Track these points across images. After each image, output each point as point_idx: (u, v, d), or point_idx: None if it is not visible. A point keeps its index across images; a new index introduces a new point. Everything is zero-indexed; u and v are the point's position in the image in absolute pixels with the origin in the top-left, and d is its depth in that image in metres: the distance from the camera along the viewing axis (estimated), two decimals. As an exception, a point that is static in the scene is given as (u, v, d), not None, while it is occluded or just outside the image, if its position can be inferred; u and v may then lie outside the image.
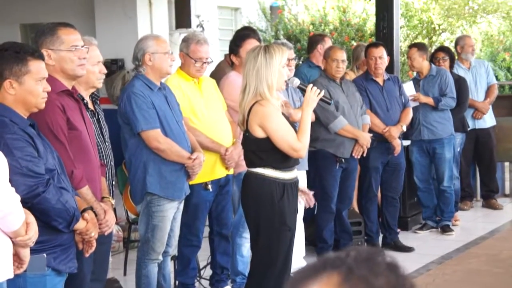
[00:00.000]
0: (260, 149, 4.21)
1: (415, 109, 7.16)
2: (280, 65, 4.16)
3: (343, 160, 6.26)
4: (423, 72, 7.35)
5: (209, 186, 5.13)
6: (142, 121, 4.63)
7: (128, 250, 6.05)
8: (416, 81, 7.42)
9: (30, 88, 3.29)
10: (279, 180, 4.21)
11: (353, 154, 6.29)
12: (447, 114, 7.32)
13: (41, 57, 3.36)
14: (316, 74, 6.86)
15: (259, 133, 4.18)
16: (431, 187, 7.50)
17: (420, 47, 7.49)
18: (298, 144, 4.17)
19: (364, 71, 7.07)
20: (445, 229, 7.39)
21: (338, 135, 6.22)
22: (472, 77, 8.31)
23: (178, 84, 5.13)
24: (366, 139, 6.29)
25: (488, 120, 8.45)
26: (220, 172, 5.21)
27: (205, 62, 5.16)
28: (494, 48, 13.41)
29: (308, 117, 4.27)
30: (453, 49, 8.46)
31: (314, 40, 7.41)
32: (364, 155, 6.34)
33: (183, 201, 4.92)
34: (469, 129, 8.24)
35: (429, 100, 7.19)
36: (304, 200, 4.74)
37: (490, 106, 8.44)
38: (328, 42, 7.21)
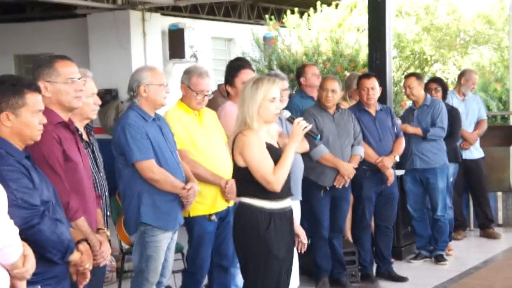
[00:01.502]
0: (244, 179, 4.21)
1: (407, 138, 7.21)
2: (265, 98, 4.15)
3: (327, 188, 6.28)
4: (419, 101, 7.40)
5: (214, 217, 5.13)
6: (137, 151, 4.64)
7: (121, 280, 6.01)
8: (411, 111, 7.47)
9: (27, 121, 3.31)
10: (265, 210, 4.17)
11: (335, 184, 6.30)
12: (440, 143, 7.36)
13: (37, 89, 3.39)
14: (309, 104, 6.91)
15: (241, 162, 4.19)
16: (425, 216, 7.51)
17: (418, 76, 7.58)
18: (271, 177, 4.12)
19: (356, 101, 7.12)
20: (439, 259, 7.40)
21: (319, 164, 6.25)
22: (465, 109, 8.39)
23: (179, 117, 5.16)
24: (347, 169, 6.29)
25: (475, 152, 8.54)
26: (222, 205, 5.21)
27: (206, 95, 5.20)
28: (486, 79, 13.55)
29: (290, 151, 4.21)
30: (445, 80, 8.55)
31: (297, 72, 7.53)
32: (346, 185, 6.35)
33: (177, 231, 4.92)
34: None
35: (417, 131, 7.23)
36: (296, 243, 4.59)
37: (478, 139, 8.51)
38: (311, 71, 7.25)
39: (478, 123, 8.53)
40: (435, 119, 7.31)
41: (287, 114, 4.50)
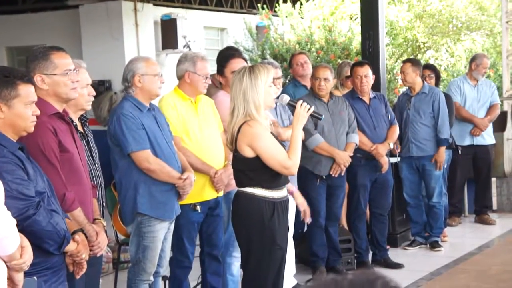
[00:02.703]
0: (249, 169, 4.22)
1: (404, 126, 7.23)
2: (266, 85, 4.19)
3: (323, 177, 6.28)
4: (415, 88, 7.37)
5: (198, 207, 5.12)
6: (132, 142, 4.63)
7: (118, 271, 6.01)
8: (407, 97, 7.44)
9: (19, 112, 3.30)
10: (268, 199, 4.22)
11: (331, 173, 6.30)
12: (434, 132, 7.35)
13: (30, 81, 3.38)
14: (302, 92, 6.91)
15: (248, 153, 4.19)
16: (421, 203, 7.52)
17: (414, 62, 7.52)
18: (288, 162, 4.19)
19: (349, 88, 7.11)
20: (434, 245, 7.42)
21: (315, 153, 6.25)
22: (476, 94, 8.39)
23: (174, 103, 5.14)
24: (342, 158, 6.30)
25: (488, 138, 8.52)
26: (209, 194, 5.19)
27: (208, 78, 5.20)
28: (478, 65, 13.48)
29: (298, 134, 4.28)
30: (438, 67, 8.54)
31: (290, 61, 7.52)
32: (342, 174, 6.36)
33: (173, 222, 4.92)
34: (467, 144, 8.33)
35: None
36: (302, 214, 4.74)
37: (491, 125, 8.51)
38: (295, 60, 7.27)
39: (490, 108, 8.47)
40: (437, 110, 7.28)
41: (287, 98, 4.52)
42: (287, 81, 10.11)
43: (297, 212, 5.63)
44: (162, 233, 4.78)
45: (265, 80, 4.18)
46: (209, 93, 5.95)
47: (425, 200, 7.56)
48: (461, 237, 7.90)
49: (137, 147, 4.63)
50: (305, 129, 5.97)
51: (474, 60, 8.65)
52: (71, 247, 3.43)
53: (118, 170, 4.76)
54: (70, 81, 3.77)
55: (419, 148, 7.33)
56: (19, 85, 3.29)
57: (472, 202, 8.84)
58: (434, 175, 7.34)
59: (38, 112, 3.38)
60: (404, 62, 7.61)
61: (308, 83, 7.14)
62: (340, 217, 6.81)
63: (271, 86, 4.24)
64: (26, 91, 3.31)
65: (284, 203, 4.31)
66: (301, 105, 4.31)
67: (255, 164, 4.19)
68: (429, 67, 8.36)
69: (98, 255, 3.81)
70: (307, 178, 6.24)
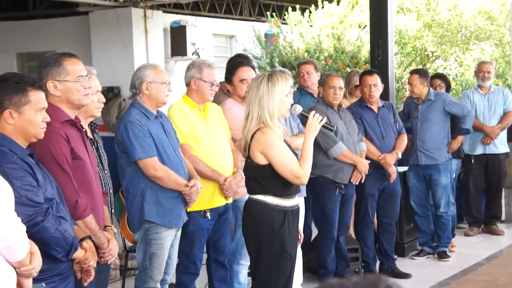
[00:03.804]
0: (261, 176, 4.22)
1: (412, 134, 7.22)
2: (282, 94, 4.19)
3: (342, 186, 6.27)
4: (422, 98, 7.35)
5: (208, 214, 5.12)
6: (139, 149, 4.63)
7: (125, 278, 6.01)
8: (414, 105, 7.42)
9: (30, 118, 3.30)
10: (279, 207, 4.21)
11: (352, 180, 6.31)
12: (445, 140, 7.34)
13: (41, 87, 3.38)
14: (308, 100, 6.92)
15: (260, 160, 4.19)
16: (429, 212, 7.49)
17: (422, 73, 7.45)
18: (300, 171, 4.18)
19: (357, 97, 7.10)
20: (442, 255, 7.39)
21: (336, 161, 6.24)
22: (487, 103, 8.34)
23: (183, 111, 5.15)
24: (364, 165, 6.32)
25: (500, 146, 8.44)
26: (219, 201, 5.20)
27: (216, 85, 5.20)
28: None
29: (310, 144, 4.27)
30: (447, 76, 8.52)
31: (297, 70, 7.55)
32: (363, 181, 6.36)
33: (180, 229, 4.91)
34: (479, 153, 8.29)
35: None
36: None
37: (505, 133, 8.45)
38: (299, 70, 7.30)
39: (503, 115, 8.39)
40: (456, 110, 7.30)
41: (299, 108, 4.52)
42: (295, 88, 10.11)
43: (306, 221, 5.62)
44: (169, 240, 4.77)
45: (282, 89, 4.19)
46: (217, 101, 5.97)
47: (432, 209, 7.53)
48: (469, 247, 7.86)
49: (144, 154, 4.64)
50: (328, 137, 5.99)
51: (476, 68, 8.66)
52: (79, 254, 3.43)
53: (125, 177, 4.76)
54: (82, 87, 3.78)
55: (428, 156, 7.30)
56: (29, 92, 3.29)
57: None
58: (441, 184, 7.32)
59: (48, 119, 3.39)
60: (412, 73, 7.56)
61: (314, 92, 7.16)
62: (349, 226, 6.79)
63: (287, 96, 4.24)
64: (37, 98, 3.32)
65: (294, 211, 4.30)
66: (313, 116, 4.31)
67: (268, 171, 4.19)
68: (439, 76, 8.36)
69: (109, 262, 3.81)
70: (325, 188, 6.22)
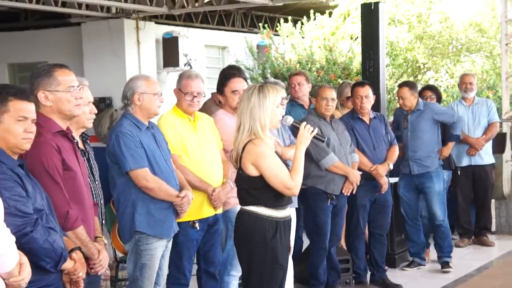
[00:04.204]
0: (253, 187, 4.22)
1: (403, 145, 7.24)
2: (274, 105, 4.20)
3: (334, 196, 6.27)
4: (412, 109, 7.35)
5: (197, 225, 5.11)
6: (131, 160, 4.63)
7: (115, 289, 6.00)
8: (403, 116, 7.42)
9: (8, 128, 3.28)
10: (272, 219, 4.20)
11: (343, 192, 6.31)
12: (435, 147, 7.34)
13: (26, 98, 3.35)
14: (299, 112, 6.93)
15: (252, 171, 4.19)
16: (419, 222, 7.48)
17: (411, 85, 7.45)
18: (291, 182, 4.17)
19: (349, 109, 7.11)
20: (444, 266, 7.35)
21: (328, 172, 6.24)
22: (471, 115, 8.40)
23: (172, 122, 5.16)
24: (356, 176, 6.32)
25: (486, 158, 8.49)
26: (208, 212, 5.19)
27: (195, 96, 5.19)
28: (478, 86, 13.53)
29: (301, 155, 4.27)
30: (438, 88, 8.55)
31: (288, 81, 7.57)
32: (354, 192, 6.36)
33: (171, 239, 4.90)
34: (465, 165, 8.32)
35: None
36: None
37: (490, 144, 8.49)
38: (294, 80, 7.30)
39: (487, 127, 8.44)
40: (446, 119, 7.36)
41: (291, 119, 4.52)
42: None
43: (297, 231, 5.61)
44: (160, 251, 4.76)
45: (274, 100, 4.19)
46: (209, 111, 5.98)
47: (424, 220, 7.53)
48: (460, 259, 7.86)
49: (136, 165, 4.63)
50: (320, 148, 5.98)
51: (458, 81, 8.70)
52: (68, 265, 3.42)
53: (116, 188, 4.75)
54: (73, 98, 3.78)
55: (420, 165, 7.29)
56: (10, 101, 3.28)
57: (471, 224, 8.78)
58: (435, 191, 7.28)
59: (34, 130, 3.36)
60: (400, 86, 7.50)
61: (304, 103, 7.17)
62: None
63: (279, 107, 4.25)
64: (18, 107, 3.29)
65: (286, 222, 4.30)
66: (304, 127, 4.31)
67: (259, 183, 4.18)
68: (430, 88, 8.38)
69: (99, 273, 3.80)
70: (317, 199, 6.23)
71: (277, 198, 4.21)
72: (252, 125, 4.17)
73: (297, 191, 4.24)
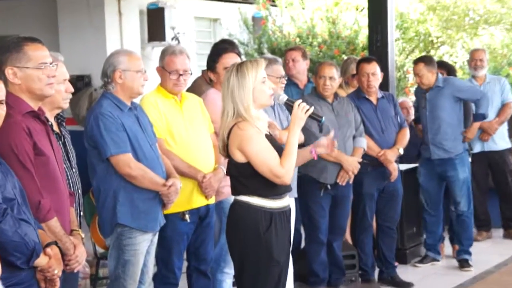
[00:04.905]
0: (241, 175, 4.20)
1: (423, 127, 7.22)
2: (256, 82, 4.16)
3: (328, 186, 6.25)
4: (430, 86, 7.27)
5: (187, 216, 5.09)
6: (111, 144, 4.60)
7: (95, 288, 6.01)
8: (421, 94, 7.39)
9: None
10: (265, 209, 4.18)
11: (338, 181, 6.27)
12: (458, 129, 7.30)
13: None
14: (292, 91, 6.90)
15: (239, 157, 4.17)
16: (440, 213, 7.44)
17: (427, 61, 7.38)
18: (280, 170, 4.13)
19: (354, 88, 7.09)
20: (463, 264, 7.31)
21: (320, 159, 6.21)
22: None
23: (155, 102, 5.13)
24: (351, 164, 6.27)
25: (500, 142, 8.45)
26: (199, 201, 5.17)
27: (181, 75, 5.15)
28: (497, 63, 13.53)
29: (294, 139, 4.22)
30: (453, 64, 8.51)
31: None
32: (351, 182, 6.32)
33: (157, 233, 4.89)
34: (478, 151, 8.32)
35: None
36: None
37: (505, 127, 8.46)
38: (289, 56, 7.25)
39: (502, 108, 8.39)
40: (463, 95, 7.29)
41: (284, 97, 4.48)
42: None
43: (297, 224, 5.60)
44: (144, 246, 4.75)
45: (254, 77, 4.16)
46: (199, 90, 5.95)
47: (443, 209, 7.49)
48: (477, 254, 7.83)
49: (117, 150, 4.60)
50: (309, 131, 5.94)
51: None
52: (41, 261, 3.39)
53: (96, 175, 4.73)
54: (45, 76, 3.75)
55: (441, 149, 7.24)
56: None
57: (497, 215, 8.71)
58: (459, 180, 7.26)
59: (4, 111, 3.34)
60: (416, 62, 7.44)
61: (299, 82, 7.14)
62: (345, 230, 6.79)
63: (264, 82, 4.20)
64: None
65: (283, 214, 4.27)
66: (298, 105, 4.26)
67: (247, 169, 4.16)
68: (441, 64, 8.33)
69: (76, 271, 3.79)
70: (310, 188, 6.22)
71: (271, 186, 4.18)
72: (235, 108, 4.14)
73: (288, 179, 4.18)
